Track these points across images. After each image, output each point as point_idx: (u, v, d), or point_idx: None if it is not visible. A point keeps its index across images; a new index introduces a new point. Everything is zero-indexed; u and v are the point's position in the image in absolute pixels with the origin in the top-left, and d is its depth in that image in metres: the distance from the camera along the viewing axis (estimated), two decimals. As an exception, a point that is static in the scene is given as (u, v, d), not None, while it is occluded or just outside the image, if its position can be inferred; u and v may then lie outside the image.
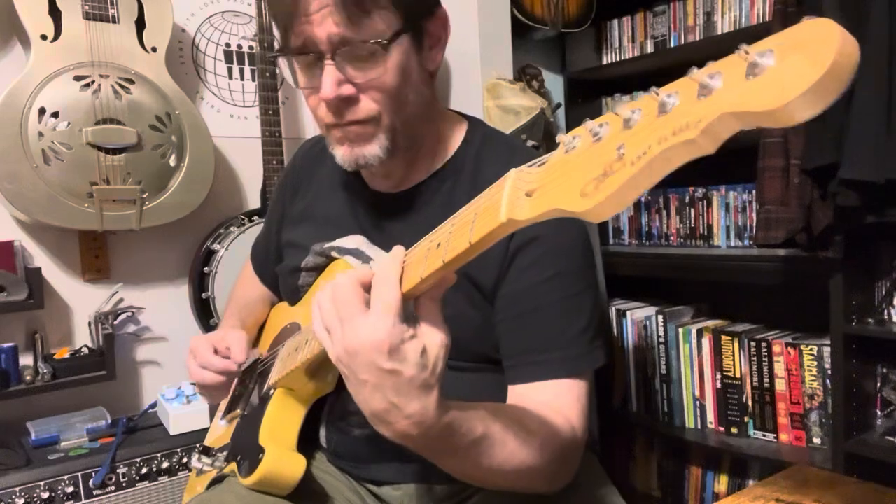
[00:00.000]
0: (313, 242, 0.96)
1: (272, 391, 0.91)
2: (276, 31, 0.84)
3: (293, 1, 0.77)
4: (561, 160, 0.44)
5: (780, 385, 1.80)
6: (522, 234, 0.81)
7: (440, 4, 0.87)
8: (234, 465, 0.91)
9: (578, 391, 0.81)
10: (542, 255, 0.82)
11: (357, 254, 0.93)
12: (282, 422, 0.89)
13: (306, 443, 0.92)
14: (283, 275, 1.04)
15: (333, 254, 0.94)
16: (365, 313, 0.58)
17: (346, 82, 0.79)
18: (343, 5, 0.75)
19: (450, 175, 0.90)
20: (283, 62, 0.84)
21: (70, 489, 1.38)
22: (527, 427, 0.72)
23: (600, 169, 0.39)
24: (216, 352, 0.99)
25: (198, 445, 1.01)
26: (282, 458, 0.85)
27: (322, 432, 0.96)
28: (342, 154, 0.85)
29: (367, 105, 0.81)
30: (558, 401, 0.79)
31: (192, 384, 1.04)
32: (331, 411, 0.95)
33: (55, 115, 1.43)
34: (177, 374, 1.74)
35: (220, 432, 1.04)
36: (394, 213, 0.93)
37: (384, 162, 0.84)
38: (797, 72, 0.31)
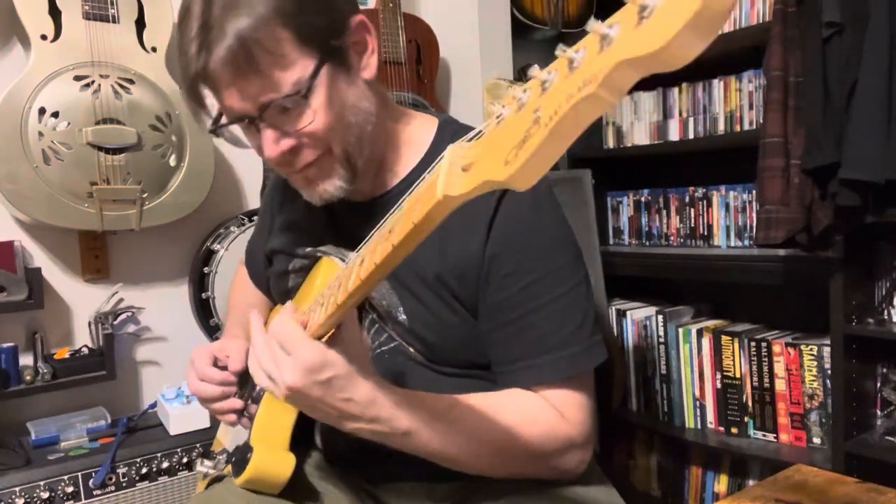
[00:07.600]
0: (298, 249, 0.98)
1: (262, 392, 0.91)
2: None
3: (204, 87, 0.78)
4: (492, 132, 0.44)
5: (780, 385, 1.80)
6: (497, 239, 0.81)
7: (352, 12, 0.83)
8: (230, 467, 0.91)
9: (577, 392, 0.81)
10: (520, 261, 0.81)
11: (338, 253, 0.94)
12: (272, 421, 0.89)
13: (302, 443, 0.92)
14: (274, 279, 1.05)
15: (318, 254, 0.95)
16: (287, 356, 0.68)
17: (284, 136, 0.80)
18: (250, 74, 0.75)
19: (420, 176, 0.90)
20: (225, 132, 0.85)
21: (70, 489, 1.38)
22: (503, 404, 0.78)
23: (521, 135, 0.39)
24: (217, 361, 0.98)
25: (199, 448, 1.02)
26: (270, 458, 0.85)
27: (317, 432, 0.97)
28: (307, 195, 0.86)
29: (312, 148, 0.81)
30: (555, 399, 0.80)
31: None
32: None
33: (55, 115, 1.43)
34: (177, 374, 1.74)
35: (226, 434, 1.06)
36: (369, 220, 0.92)
37: (351, 188, 0.85)
38: (676, 10, 0.30)
